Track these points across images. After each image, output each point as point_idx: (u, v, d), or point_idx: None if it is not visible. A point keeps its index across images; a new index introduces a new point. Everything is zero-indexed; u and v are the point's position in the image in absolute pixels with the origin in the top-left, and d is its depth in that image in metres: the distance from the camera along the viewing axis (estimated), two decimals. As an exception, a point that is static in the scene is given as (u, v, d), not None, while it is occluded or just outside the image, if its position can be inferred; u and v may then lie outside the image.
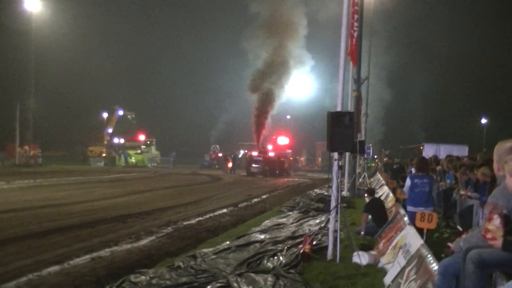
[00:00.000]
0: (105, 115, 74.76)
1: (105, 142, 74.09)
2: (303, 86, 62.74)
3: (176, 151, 75.49)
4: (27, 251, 11.54)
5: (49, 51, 69.82)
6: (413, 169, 15.62)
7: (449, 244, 6.79)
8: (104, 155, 69.01)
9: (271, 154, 54.29)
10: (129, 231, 14.63)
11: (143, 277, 8.65)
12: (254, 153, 54.50)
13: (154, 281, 8.49)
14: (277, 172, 52.17)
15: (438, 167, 18.08)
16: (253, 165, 51.20)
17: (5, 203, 19.50)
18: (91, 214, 17.78)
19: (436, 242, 11.44)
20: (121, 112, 75.28)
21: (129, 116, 76.39)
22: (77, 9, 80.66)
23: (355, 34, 21.91)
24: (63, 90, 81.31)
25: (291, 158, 62.03)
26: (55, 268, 9.96)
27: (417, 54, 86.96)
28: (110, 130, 74.85)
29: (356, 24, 22.11)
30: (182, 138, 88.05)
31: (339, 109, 11.44)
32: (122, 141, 73.94)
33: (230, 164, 56.17)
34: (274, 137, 62.10)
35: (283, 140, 62.69)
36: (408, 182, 12.43)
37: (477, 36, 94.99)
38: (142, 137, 73.42)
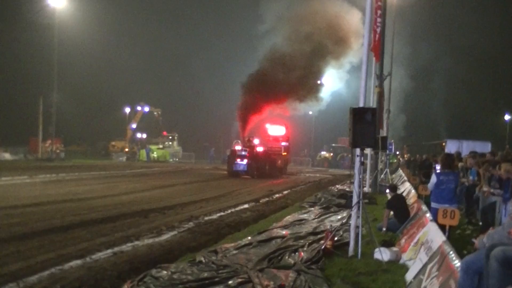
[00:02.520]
0: (128, 110, 75.59)
1: (128, 137, 75.03)
2: (326, 81, 50.09)
3: (199, 146, 75.95)
4: (49, 245, 11.64)
5: (73, 46, 70.24)
6: (437, 165, 15.57)
7: (474, 240, 6.75)
8: (126, 150, 69.00)
9: (259, 149, 42.62)
10: (151, 226, 14.74)
11: (165, 272, 8.66)
12: (238, 148, 42.56)
13: (175, 276, 8.50)
14: (267, 171, 41.43)
15: (460, 164, 17.96)
16: (237, 162, 40.18)
17: (28, 197, 19.63)
18: (113, 209, 17.90)
19: (458, 239, 11.39)
20: (146, 109, 75.22)
21: (155, 113, 77.02)
22: (102, 4, 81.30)
23: (378, 30, 21.92)
24: (86, 85, 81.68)
25: (285, 154, 47.79)
26: (77, 262, 10.07)
27: (440, 50, 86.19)
28: (134, 126, 75.11)
29: (379, 19, 22.13)
30: (204, 133, 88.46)
31: (361, 105, 11.34)
32: (144, 136, 73.97)
33: None
34: (266, 126, 48.67)
35: (276, 130, 48.38)
36: (433, 178, 12.30)
37: (502, 31, 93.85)
38: (164, 133, 74.58)
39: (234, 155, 40.88)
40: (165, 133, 74.75)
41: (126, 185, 27.17)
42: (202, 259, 9.82)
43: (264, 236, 12.70)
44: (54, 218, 15.17)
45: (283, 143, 47.59)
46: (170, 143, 72.41)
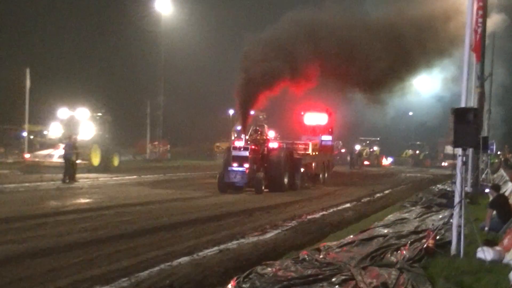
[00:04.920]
0: (232, 112, 77.68)
1: (232, 138, 76.09)
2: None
3: None
4: (158, 243, 12.10)
5: (179, 52, 72.36)
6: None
7: None
8: None
9: (273, 145, 26.99)
10: (255, 225, 15.08)
11: (269, 269, 8.84)
12: (239, 144, 25.93)
13: (280, 273, 8.67)
14: (287, 180, 25.34)
15: None
16: (232, 168, 24.28)
17: (137, 197, 20.53)
18: (218, 208, 18.40)
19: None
20: (252, 112, 76.40)
21: (260, 116, 78.38)
22: (208, 11, 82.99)
23: (479, 30, 21.55)
24: (192, 89, 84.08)
25: (328, 153, 32.58)
26: (185, 259, 10.42)
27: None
28: (238, 128, 76.57)
29: (480, 20, 21.75)
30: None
31: (463, 105, 11.24)
32: (246, 137, 76.08)
33: (366, 162, 56.40)
34: (301, 113, 33.16)
35: (315, 119, 32.76)
36: None
37: None
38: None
39: (229, 155, 25.24)
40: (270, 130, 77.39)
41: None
42: (306, 257, 9.93)
43: (366, 234, 12.78)
44: (162, 217, 15.77)
45: (324, 138, 32.19)
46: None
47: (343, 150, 64.57)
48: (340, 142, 70.97)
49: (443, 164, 63.64)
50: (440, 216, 16.05)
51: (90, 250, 11.15)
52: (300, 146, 29.46)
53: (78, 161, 26.69)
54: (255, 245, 12.37)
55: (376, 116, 52.44)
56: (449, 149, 64.43)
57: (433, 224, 14.31)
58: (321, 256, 10.12)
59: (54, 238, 12.37)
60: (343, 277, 8.43)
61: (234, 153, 24.87)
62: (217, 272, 9.67)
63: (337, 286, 8.15)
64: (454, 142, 10.84)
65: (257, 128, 27.46)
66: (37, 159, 30.59)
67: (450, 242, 11.00)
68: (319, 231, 14.36)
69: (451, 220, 11.78)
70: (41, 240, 11.91)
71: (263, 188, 24.13)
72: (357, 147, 61.10)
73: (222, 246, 11.94)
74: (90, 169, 32.62)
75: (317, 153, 29.86)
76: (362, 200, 22.41)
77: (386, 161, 65.41)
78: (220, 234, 13.63)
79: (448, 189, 23.53)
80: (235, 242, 12.57)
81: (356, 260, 9.78)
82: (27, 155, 32.58)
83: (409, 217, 16.34)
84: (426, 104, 46.79)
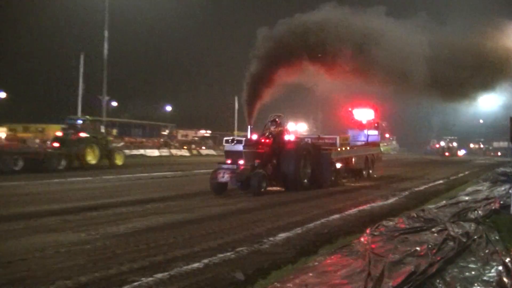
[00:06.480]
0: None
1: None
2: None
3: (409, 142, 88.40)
4: (318, 206, 14.14)
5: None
6: None
7: None
8: None
9: (289, 137, 19.94)
10: (381, 194, 17.57)
11: (391, 223, 9.91)
12: (233, 137, 20.39)
13: (398, 225, 9.70)
14: (307, 177, 19.59)
15: None
16: (222, 165, 17.95)
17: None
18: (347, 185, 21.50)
19: None
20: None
21: (383, 124, 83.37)
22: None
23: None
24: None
25: (374, 147, 27.56)
26: (336, 216, 12.28)
27: None
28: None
29: None
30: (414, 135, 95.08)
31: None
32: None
33: (447, 154, 67.11)
34: (349, 108, 28.59)
35: (362, 114, 28.49)
36: None
37: None
38: (387, 135, 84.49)
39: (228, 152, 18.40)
40: (387, 136, 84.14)
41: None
42: (414, 214, 10.94)
43: (454, 200, 14.02)
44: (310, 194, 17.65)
45: (370, 132, 27.72)
46: (393, 142, 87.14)
47: (437, 146, 77.81)
48: (435, 139, 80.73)
49: (498, 154, 78.47)
50: (503, 188, 17.20)
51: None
52: (327, 140, 22.91)
53: None
54: (381, 207, 14.18)
55: (454, 120, 64.66)
56: (495, 144, 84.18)
57: (498, 193, 15.59)
58: (424, 214, 11.07)
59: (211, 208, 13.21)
60: (439, 228, 9.24)
61: (227, 147, 17.94)
62: (358, 223, 11.19)
63: (435, 234, 8.85)
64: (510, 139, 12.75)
65: (276, 118, 19.63)
66: None
67: (509, 205, 12.06)
68: (423, 198, 16.51)
69: (510, 191, 13.48)
70: (210, 210, 13.02)
71: (263, 188, 17.14)
72: (442, 143, 74.93)
73: (359, 208, 13.71)
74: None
75: (347, 148, 23.50)
76: (450, 178, 25.61)
77: (460, 152, 75.01)
78: (358, 200, 15.57)
79: (507, 170, 25.38)
80: (368, 205, 14.34)
81: (448, 217, 10.78)
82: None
83: (482, 189, 17.84)
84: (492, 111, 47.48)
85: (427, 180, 23.85)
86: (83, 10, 54.64)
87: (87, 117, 33.05)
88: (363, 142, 26.22)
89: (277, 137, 18.67)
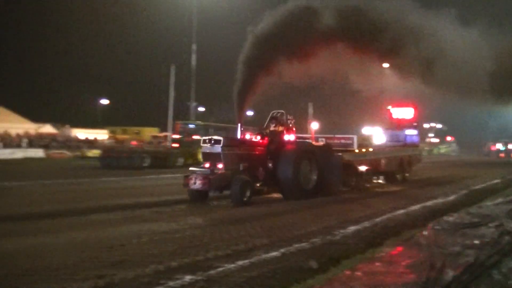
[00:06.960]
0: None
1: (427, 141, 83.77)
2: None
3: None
4: (386, 203, 14.81)
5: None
6: None
7: None
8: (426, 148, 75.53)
9: (288, 137, 16.29)
10: (442, 191, 17.64)
11: (451, 218, 10.07)
12: (210, 137, 14.67)
13: (457, 220, 9.81)
14: (312, 183, 16.15)
15: None
16: (195, 168, 14.79)
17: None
18: (417, 181, 22.41)
19: None
20: (433, 125, 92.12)
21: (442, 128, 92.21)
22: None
23: None
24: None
25: (411, 148, 24.83)
26: (401, 211, 12.58)
27: None
28: (431, 135, 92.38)
29: None
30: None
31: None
32: (437, 140, 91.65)
33: (502, 155, 65.92)
34: (388, 107, 27.10)
35: (401, 113, 26.64)
36: None
37: None
38: (449, 138, 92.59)
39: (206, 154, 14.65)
40: (448, 139, 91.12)
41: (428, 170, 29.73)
42: (473, 210, 11.11)
43: (510, 198, 13.92)
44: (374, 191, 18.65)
45: (408, 132, 25.15)
46: (453, 144, 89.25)
47: (493, 148, 75.36)
48: (491, 142, 77.53)
49: None
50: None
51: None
52: (343, 141, 19.41)
53: None
54: (443, 203, 14.26)
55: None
56: None
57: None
58: (482, 211, 11.13)
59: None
60: (496, 223, 9.31)
61: (204, 148, 14.53)
62: (420, 218, 11.34)
63: (492, 229, 8.92)
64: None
65: (277, 114, 16.49)
66: None
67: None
68: (479, 196, 16.42)
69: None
70: (285, 204, 13.66)
71: (245, 197, 13.85)
72: (498, 145, 72.89)
73: (422, 204, 13.85)
74: None
75: (369, 149, 20.94)
76: (507, 177, 24.81)
77: None
78: (420, 197, 15.86)
79: None
80: (430, 202, 14.50)
81: (504, 213, 10.72)
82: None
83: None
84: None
85: (486, 179, 24.10)
86: (173, 27, 57.83)
87: (199, 122, 37.11)
88: (400, 143, 23.46)
89: (275, 137, 15.55)
